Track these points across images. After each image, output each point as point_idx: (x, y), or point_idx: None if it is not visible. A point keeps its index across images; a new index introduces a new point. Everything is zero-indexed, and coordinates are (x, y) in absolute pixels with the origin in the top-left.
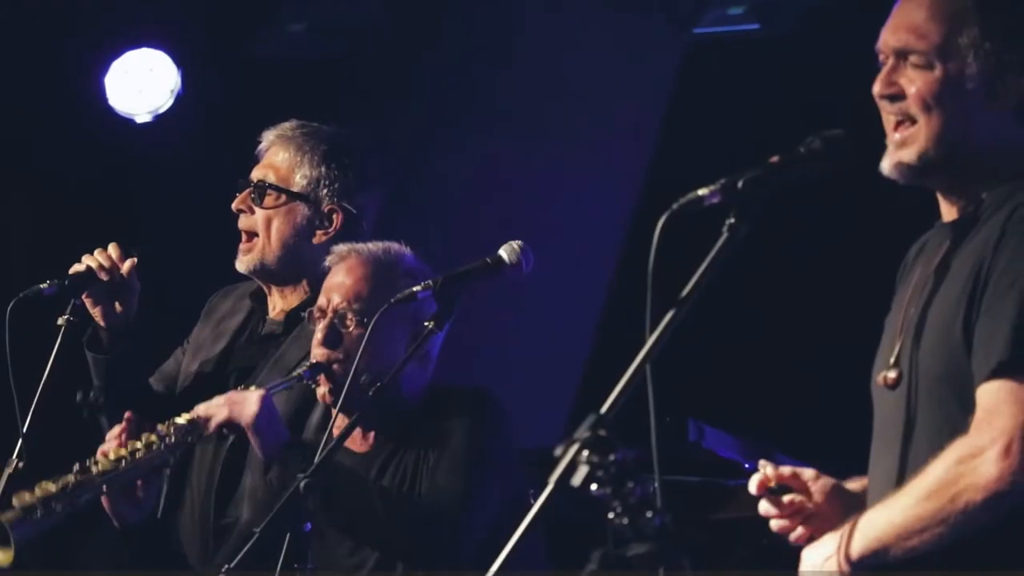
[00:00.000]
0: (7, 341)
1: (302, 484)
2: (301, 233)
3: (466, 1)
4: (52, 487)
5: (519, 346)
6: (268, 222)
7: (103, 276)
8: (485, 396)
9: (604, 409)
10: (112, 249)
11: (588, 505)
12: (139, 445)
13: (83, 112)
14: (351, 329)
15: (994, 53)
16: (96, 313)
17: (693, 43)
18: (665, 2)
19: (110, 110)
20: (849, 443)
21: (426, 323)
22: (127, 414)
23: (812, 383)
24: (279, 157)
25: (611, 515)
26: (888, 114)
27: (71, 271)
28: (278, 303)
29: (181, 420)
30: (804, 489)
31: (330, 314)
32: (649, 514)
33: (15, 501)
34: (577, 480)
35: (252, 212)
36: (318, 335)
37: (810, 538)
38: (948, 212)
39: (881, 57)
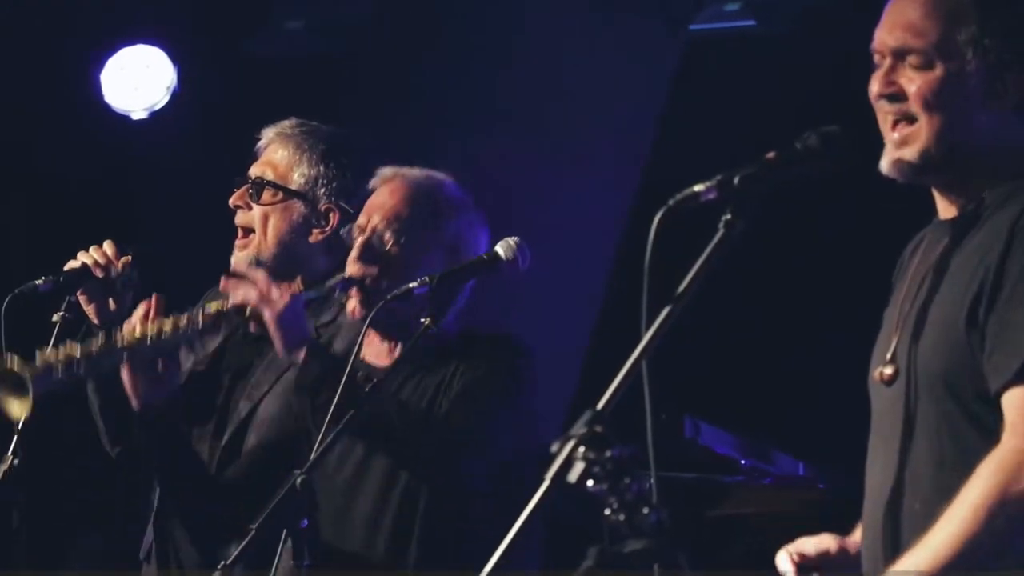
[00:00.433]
0: (2, 337)
1: (298, 480)
2: (297, 231)
3: (461, 2)
4: (76, 351)
5: None
6: (265, 219)
7: (98, 273)
8: (516, 343)
9: (600, 405)
10: (107, 246)
11: (585, 504)
12: (166, 325)
13: (79, 109)
14: (388, 248)
15: (993, 51)
16: (90, 310)
17: (690, 41)
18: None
19: (106, 107)
20: (846, 440)
21: (422, 320)
22: (155, 295)
23: (809, 380)
24: (278, 154)
25: (607, 511)
26: (886, 114)
27: (66, 267)
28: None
29: (211, 308)
30: (829, 558)
31: (368, 231)
32: (645, 510)
33: (38, 357)
34: (573, 476)
35: (249, 208)
36: (354, 251)
37: None
38: (946, 210)
39: (877, 57)
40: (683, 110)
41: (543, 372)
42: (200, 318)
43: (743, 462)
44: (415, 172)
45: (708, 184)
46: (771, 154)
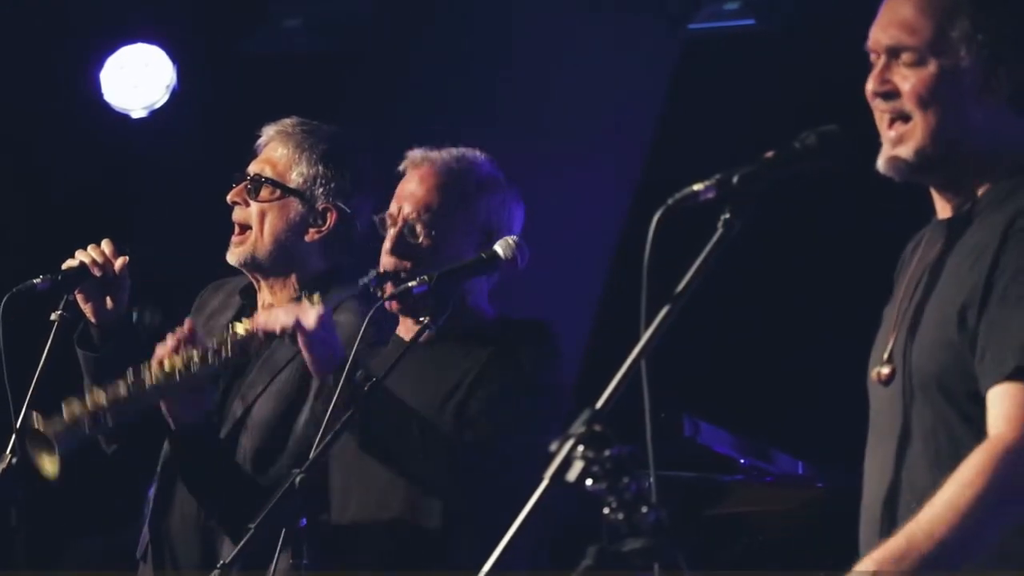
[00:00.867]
0: (0, 336)
1: (297, 480)
2: (294, 229)
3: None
4: (103, 399)
5: None
6: (262, 216)
7: (96, 272)
8: (546, 329)
9: (599, 405)
10: (105, 245)
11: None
12: (195, 356)
13: (79, 108)
14: (420, 240)
15: (986, 45)
16: (87, 309)
17: (689, 39)
18: None
19: (106, 105)
20: (845, 439)
21: (421, 319)
22: (188, 323)
23: (808, 379)
24: (277, 153)
25: (606, 511)
26: (882, 112)
27: (64, 266)
28: (267, 298)
29: (240, 330)
30: None
31: (400, 223)
32: (644, 509)
33: (64, 411)
34: (572, 476)
35: (247, 205)
36: (387, 244)
37: None
38: (943, 209)
39: (872, 56)
40: (682, 109)
41: None
42: (229, 345)
43: (742, 461)
44: (443, 155)
45: (707, 183)
46: (769, 153)
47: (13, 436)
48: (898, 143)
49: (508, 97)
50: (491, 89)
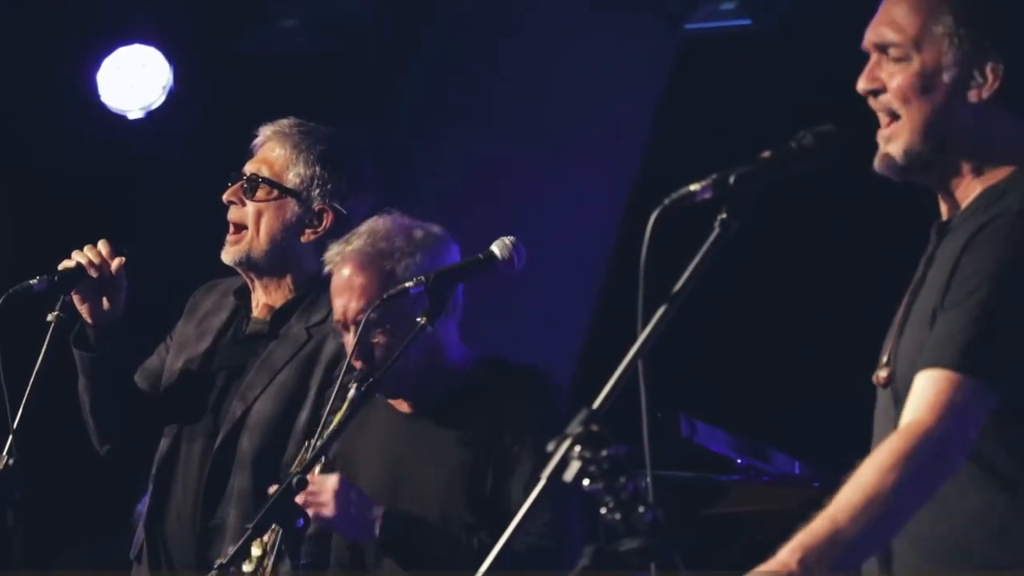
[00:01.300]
0: None
1: (294, 481)
2: (290, 229)
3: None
4: None
5: (511, 341)
6: (258, 215)
7: (92, 273)
8: (547, 385)
9: (596, 405)
10: (102, 246)
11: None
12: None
13: (75, 108)
14: (375, 340)
15: (968, 40)
16: (84, 310)
17: (685, 39)
18: None
19: (103, 106)
20: (842, 438)
21: (418, 319)
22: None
23: (805, 379)
24: (274, 153)
25: (603, 510)
26: (876, 110)
27: (61, 267)
28: (261, 298)
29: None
30: None
31: (352, 328)
32: (641, 509)
33: None
34: (569, 476)
35: (243, 204)
36: (348, 350)
37: None
38: (943, 211)
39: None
40: (678, 109)
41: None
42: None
43: (739, 461)
44: (358, 245)
45: (703, 183)
46: (766, 153)
47: (10, 437)
48: (888, 142)
49: (505, 96)
50: (489, 88)
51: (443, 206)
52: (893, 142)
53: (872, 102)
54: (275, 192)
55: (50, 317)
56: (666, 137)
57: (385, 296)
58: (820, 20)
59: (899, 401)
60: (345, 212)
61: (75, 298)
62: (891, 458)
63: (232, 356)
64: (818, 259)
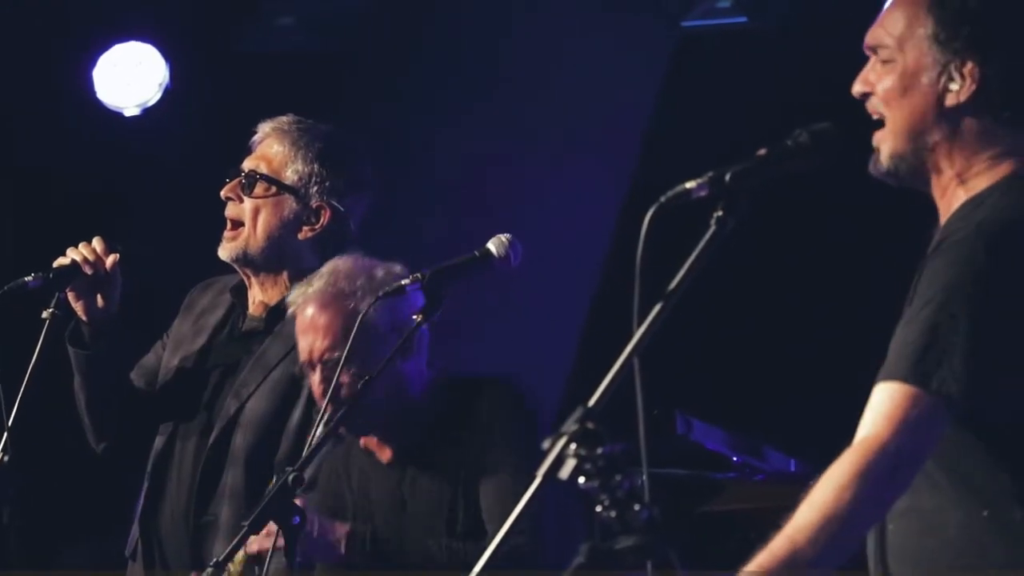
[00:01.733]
0: None
1: (290, 478)
2: (287, 226)
3: None
4: None
5: (508, 339)
6: (256, 212)
7: (87, 270)
8: (513, 393)
9: (592, 402)
10: (96, 243)
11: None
12: None
13: (72, 106)
14: (344, 382)
15: (947, 42)
16: (78, 307)
17: (682, 37)
18: None
19: (99, 104)
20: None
21: (414, 316)
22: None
23: (801, 377)
24: (273, 149)
25: (599, 508)
26: (870, 114)
27: (55, 264)
28: (258, 295)
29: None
30: None
31: (319, 369)
32: (636, 507)
33: None
34: (564, 473)
35: (240, 201)
36: (317, 392)
37: None
38: (940, 216)
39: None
40: (675, 107)
41: (535, 369)
42: None
43: (735, 458)
44: (318, 287)
45: (699, 181)
46: (762, 151)
47: (5, 435)
48: (878, 146)
49: (503, 94)
50: (486, 86)
51: (441, 204)
52: (881, 146)
53: (867, 105)
54: (273, 189)
55: (45, 314)
56: (663, 135)
57: (381, 293)
58: (816, 18)
59: None
60: (343, 209)
61: (70, 295)
62: (846, 476)
63: (227, 353)
64: (815, 257)
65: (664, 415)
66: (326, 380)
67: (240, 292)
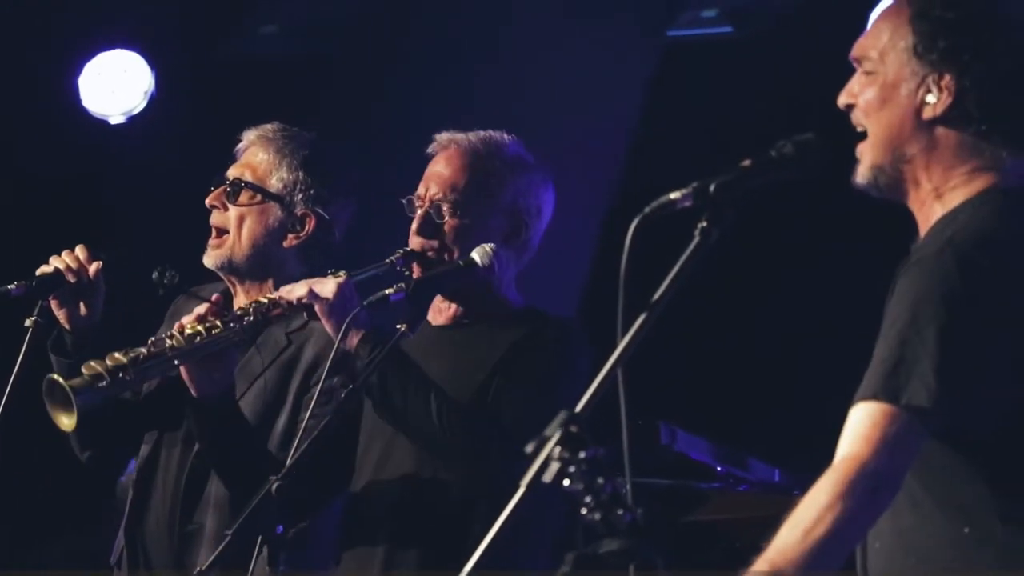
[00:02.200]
0: None
1: (274, 487)
2: (272, 234)
3: (436, 5)
4: (123, 358)
5: None
6: (240, 220)
7: (70, 278)
8: (572, 327)
9: (577, 411)
10: (80, 251)
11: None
12: (217, 322)
13: (57, 113)
14: (446, 220)
15: (925, 54)
16: (61, 315)
17: (667, 47)
18: (638, 6)
19: (84, 111)
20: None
21: (398, 325)
22: (215, 296)
23: (785, 387)
24: (258, 157)
25: (583, 510)
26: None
27: (38, 272)
28: (243, 303)
29: (262, 299)
30: None
31: (427, 203)
32: (620, 511)
33: (84, 368)
34: (548, 476)
35: (225, 209)
36: (414, 225)
37: None
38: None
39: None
40: (659, 117)
41: None
42: (252, 311)
43: (719, 468)
44: (470, 137)
45: (684, 192)
46: (746, 162)
47: None
48: (860, 158)
49: (487, 103)
50: (470, 95)
51: None
52: (863, 158)
53: (851, 117)
54: (258, 197)
55: (28, 322)
56: (647, 145)
57: (364, 303)
58: (801, 29)
59: None
60: (328, 217)
61: (53, 303)
62: (827, 497)
63: None
64: (799, 268)
65: (648, 425)
66: (425, 218)
67: (225, 300)
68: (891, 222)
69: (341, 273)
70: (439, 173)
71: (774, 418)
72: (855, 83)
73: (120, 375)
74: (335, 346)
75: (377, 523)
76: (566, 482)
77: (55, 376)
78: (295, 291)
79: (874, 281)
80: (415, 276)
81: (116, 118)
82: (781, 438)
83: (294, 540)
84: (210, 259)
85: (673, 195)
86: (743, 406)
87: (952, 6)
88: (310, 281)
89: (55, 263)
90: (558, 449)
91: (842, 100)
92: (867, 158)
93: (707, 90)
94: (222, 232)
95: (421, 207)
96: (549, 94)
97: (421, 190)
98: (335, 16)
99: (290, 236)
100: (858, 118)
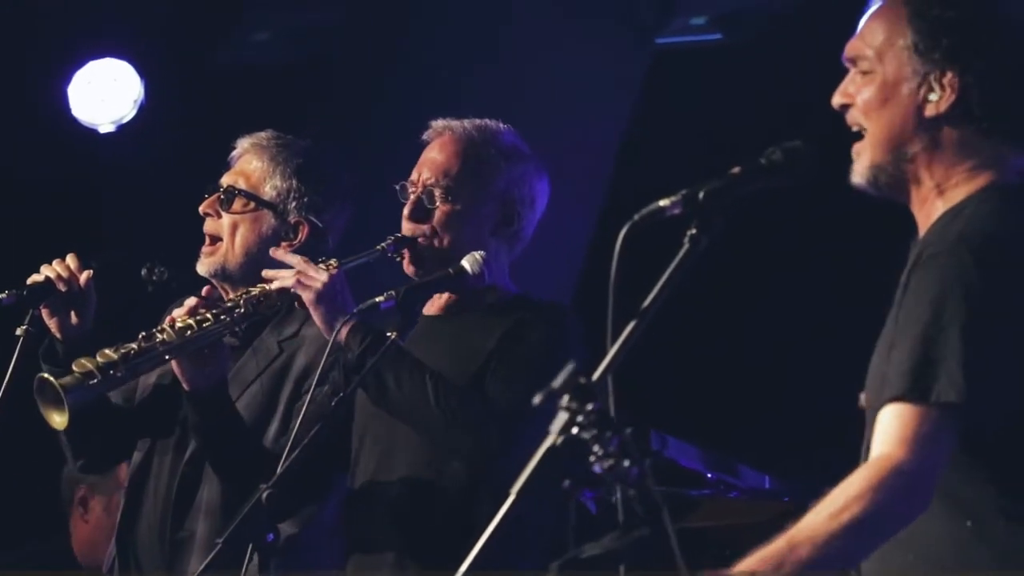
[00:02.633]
0: None
1: (264, 495)
2: (265, 242)
3: (429, 11)
4: (113, 354)
5: None
6: (234, 228)
7: (61, 287)
8: (566, 311)
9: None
10: (70, 260)
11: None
12: (208, 315)
13: (47, 122)
14: (438, 205)
15: (926, 52)
16: (52, 324)
17: (657, 53)
18: (628, 12)
19: (74, 120)
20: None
21: (388, 333)
22: (206, 288)
23: (775, 394)
24: (251, 165)
25: (591, 459)
26: (850, 126)
27: (29, 281)
28: (232, 297)
29: (253, 291)
30: None
31: (419, 188)
32: (627, 463)
33: (75, 366)
34: (556, 426)
35: (218, 217)
36: (406, 210)
37: None
38: (919, 229)
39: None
40: (649, 123)
41: None
42: (243, 303)
43: (709, 475)
44: (465, 124)
45: (673, 199)
46: (736, 169)
47: None
48: (857, 157)
49: (477, 110)
50: (460, 101)
51: None
52: (860, 157)
53: (846, 117)
54: (251, 204)
55: (18, 331)
56: (637, 151)
57: (355, 310)
58: (791, 35)
59: (869, 429)
60: (321, 225)
61: (44, 312)
62: (858, 488)
63: None
64: (788, 274)
65: (638, 432)
66: (417, 203)
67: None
68: (881, 227)
69: (332, 261)
70: (433, 159)
71: (764, 425)
72: (850, 83)
73: (111, 372)
74: (328, 344)
75: (383, 524)
76: (574, 431)
77: (46, 375)
78: (283, 280)
79: (863, 287)
80: (409, 260)
81: (106, 127)
82: (771, 445)
83: (285, 547)
84: (203, 266)
85: (662, 202)
86: (733, 413)
87: (952, 5)
88: (299, 267)
89: (46, 272)
90: (566, 399)
91: (837, 100)
92: (866, 157)
93: (697, 97)
94: (215, 240)
95: (414, 192)
96: (539, 101)
97: (414, 175)
98: (327, 23)
99: (283, 244)
100: (855, 118)
